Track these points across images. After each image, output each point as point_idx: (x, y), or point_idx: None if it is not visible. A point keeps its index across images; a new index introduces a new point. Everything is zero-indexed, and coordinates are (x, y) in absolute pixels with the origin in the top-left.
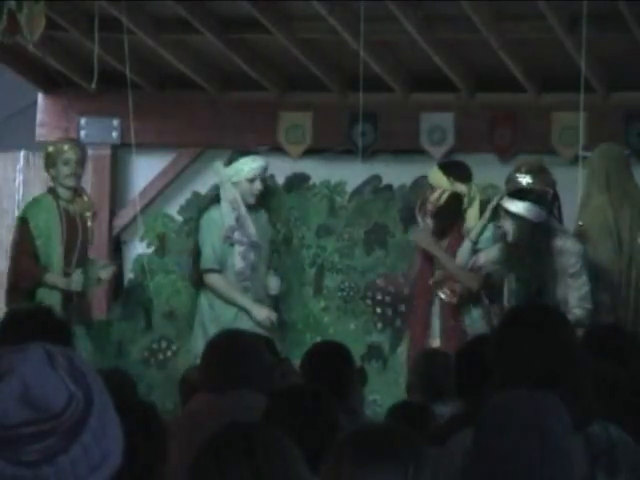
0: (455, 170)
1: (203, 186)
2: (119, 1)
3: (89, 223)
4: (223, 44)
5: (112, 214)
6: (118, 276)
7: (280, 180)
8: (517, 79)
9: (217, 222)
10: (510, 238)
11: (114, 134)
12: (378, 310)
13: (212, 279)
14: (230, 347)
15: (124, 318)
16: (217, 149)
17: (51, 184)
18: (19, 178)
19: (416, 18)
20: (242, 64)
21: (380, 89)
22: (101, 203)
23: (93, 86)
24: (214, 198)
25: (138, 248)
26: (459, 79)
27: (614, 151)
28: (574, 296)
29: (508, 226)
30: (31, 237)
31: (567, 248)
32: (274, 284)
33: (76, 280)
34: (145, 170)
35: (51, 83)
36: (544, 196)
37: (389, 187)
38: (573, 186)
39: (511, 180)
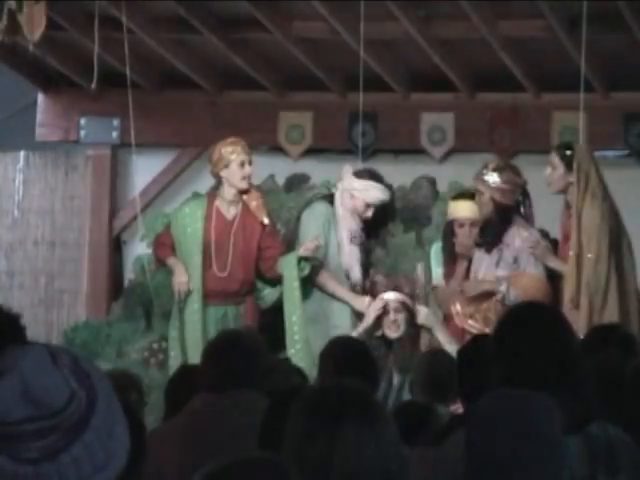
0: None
1: (203, 186)
2: (119, 1)
3: (265, 221)
4: (223, 44)
5: (112, 214)
6: (118, 276)
7: (280, 180)
8: (517, 79)
9: (325, 216)
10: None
11: (114, 134)
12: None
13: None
14: (230, 347)
15: (124, 318)
16: None
17: (215, 186)
18: (19, 178)
19: (416, 18)
20: (242, 64)
21: (380, 89)
22: (101, 203)
23: (93, 86)
24: (317, 196)
25: (138, 248)
26: (459, 79)
27: (592, 153)
28: None
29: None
30: (170, 234)
31: None
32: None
33: (179, 275)
34: (145, 170)
35: (51, 83)
36: None
37: (389, 187)
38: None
39: (478, 178)
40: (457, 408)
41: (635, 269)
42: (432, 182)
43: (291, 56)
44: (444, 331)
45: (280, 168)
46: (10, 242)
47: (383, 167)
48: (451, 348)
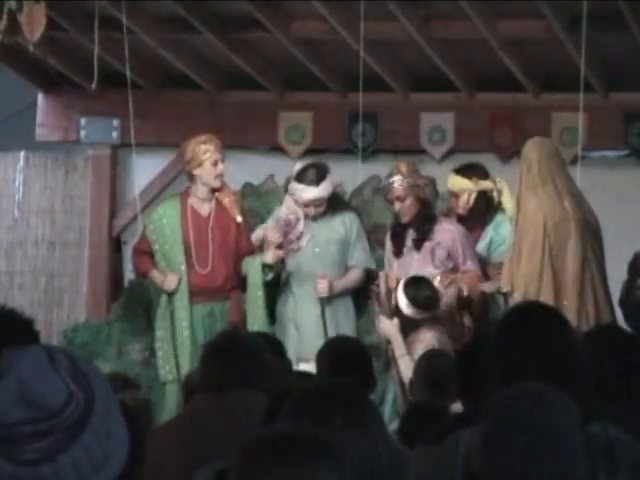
0: (473, 170)
1: None
2: (119, 1)
3: (239, 219)
4: (223, 44)
5: (112, 214)
6: (118, 276)
7: (280, 180)
8: (517, 79)
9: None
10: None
11: (114, 134)
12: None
13: None
14: (230, 347)
15: (124, 318)
16: None
17: (189, 184)
18: (19, 178)
19: (416, 18)
20: (242, 64)
21: (380, 89)
22: (101, 203)
23: (93, 86)
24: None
25: None
26: (459, 79)
27: (550, 146)
28: None
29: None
30: (147, 238)
31: None
32: (319, 287)
33: (169, 280)
34: (145, 170)
35: (51, 83)
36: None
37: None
38: None
39: (392, 186)
40: (457, 407)
41: (579, 257)
42: (432, 182)
43: (291, 56)
44: (400, 342)
45: (280, 168)
46: (10, 242)
47: (383, 167)
48: (403, 361)
